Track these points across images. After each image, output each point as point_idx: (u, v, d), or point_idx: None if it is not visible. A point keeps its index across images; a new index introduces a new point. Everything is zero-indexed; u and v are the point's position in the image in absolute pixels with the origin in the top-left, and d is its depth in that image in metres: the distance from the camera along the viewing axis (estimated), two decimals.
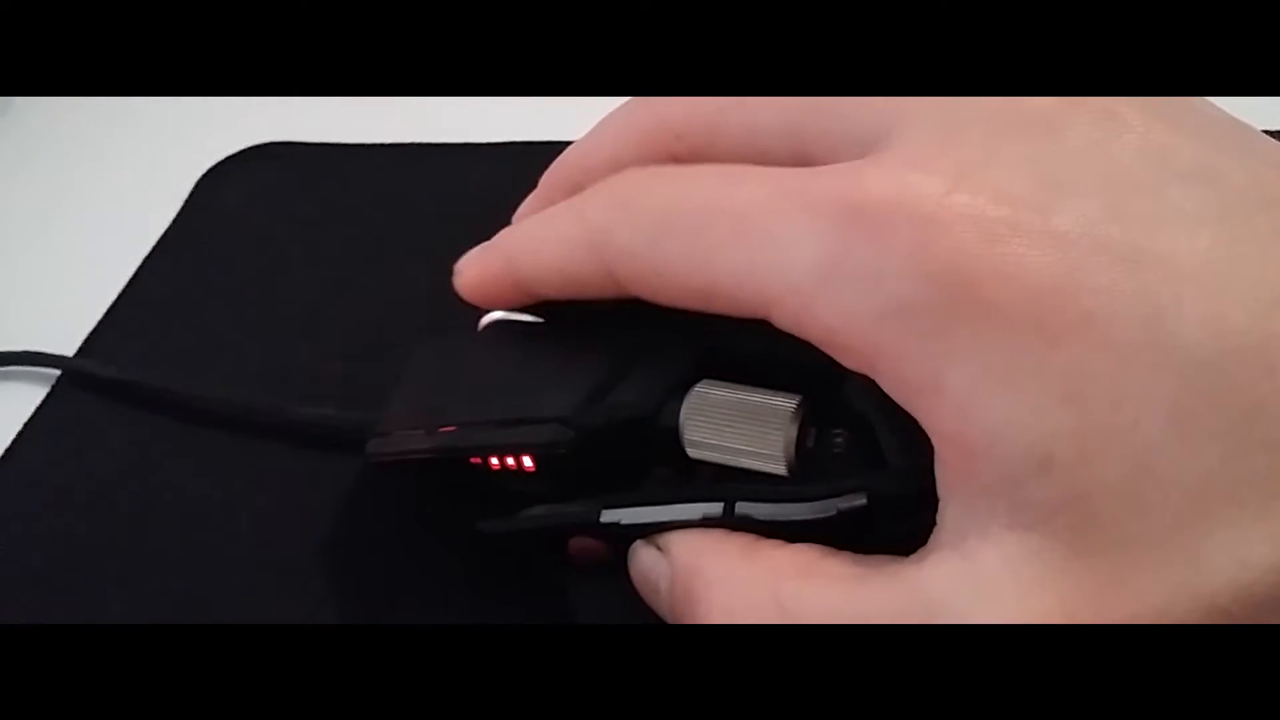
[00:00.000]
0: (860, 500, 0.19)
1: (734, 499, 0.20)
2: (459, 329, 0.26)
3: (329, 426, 0.28)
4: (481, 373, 0.24)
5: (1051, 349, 0.16)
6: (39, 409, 0.31)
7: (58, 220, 0.38)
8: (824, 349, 0.18)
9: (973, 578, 0.17)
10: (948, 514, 0.18)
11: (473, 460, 0.23)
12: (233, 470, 0.29)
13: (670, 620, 0.21)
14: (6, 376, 0.32)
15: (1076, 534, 0.16)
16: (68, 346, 0.33)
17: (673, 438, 0.21)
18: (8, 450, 0.30)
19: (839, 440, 0.20)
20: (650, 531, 0.21)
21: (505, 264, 0.23)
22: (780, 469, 0.20)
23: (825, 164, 0.19)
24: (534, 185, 0.25)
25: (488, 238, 0.24)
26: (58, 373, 0.32)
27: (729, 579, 0.20)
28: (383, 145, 0.38)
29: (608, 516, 0.22)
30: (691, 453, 0.21)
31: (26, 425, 0.31)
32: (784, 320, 0.18)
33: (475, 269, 0.24)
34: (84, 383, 0.32)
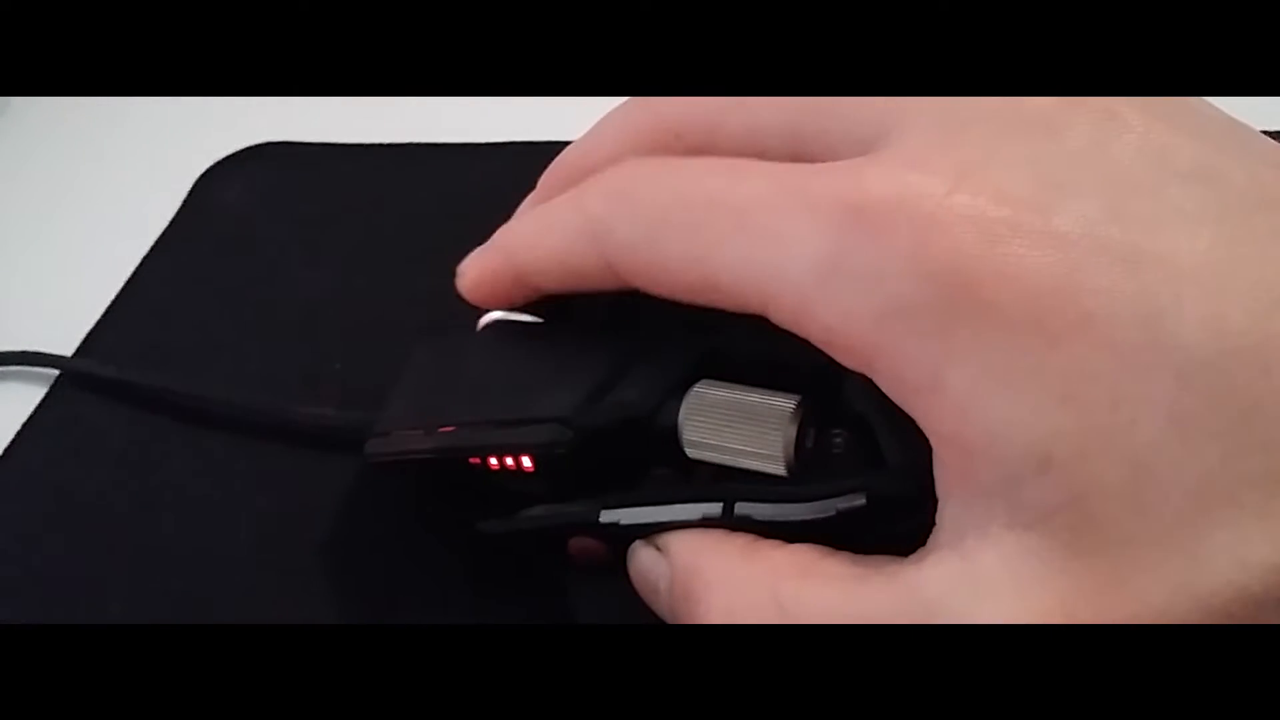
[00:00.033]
0: (859, 500, 0.19)
1: (733, 499, 0.20)
2: (458, 329, 0.26)
3: (328, 426, 0.28)
4: (481, 373, 0.24)
5: (1051, 349, 0.16)
6: (38, 409, 0.31)
7: (56, 220, 0.38)
8: (822, 348, 0.18)
9: (971, 578, 0.17)
10: (946, 514, 0.18)
11: (472, 460, 0.23)
12: (233, 470, 0.29)
13: (669, 620, 0.21)
14: (5, 376, 0.32)
15: (1075, 534, 0.16)
16: (66, 346, 0.33)
17: (672, 438, 0.21)
18: (6, 450, 0.30)
19: (838, 440, 0.20)
20: (650, 532, 0.21)
21: (506, 259, 0.23)
22: (779, 469, 0.20)
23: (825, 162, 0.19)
24: (534, 185, 0.25)
25: (488, 238, 0.24)
26: (56, 373, 0.32)
27: (728, 579, 0.20)
28: (382, 145, 0.38)
29: (607, 516, 0.22)
30: (691, 453, 0.21)
31: (25, 425, 0.31)
32: (782, 318, 0.18)
33: (476, 267, 0.24)
34: (83, 383, 0.32)
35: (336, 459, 0.28)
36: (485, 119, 0.37)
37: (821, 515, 0.19)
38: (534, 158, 0.25)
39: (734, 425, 0.20)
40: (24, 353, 0.32)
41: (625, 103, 0.23)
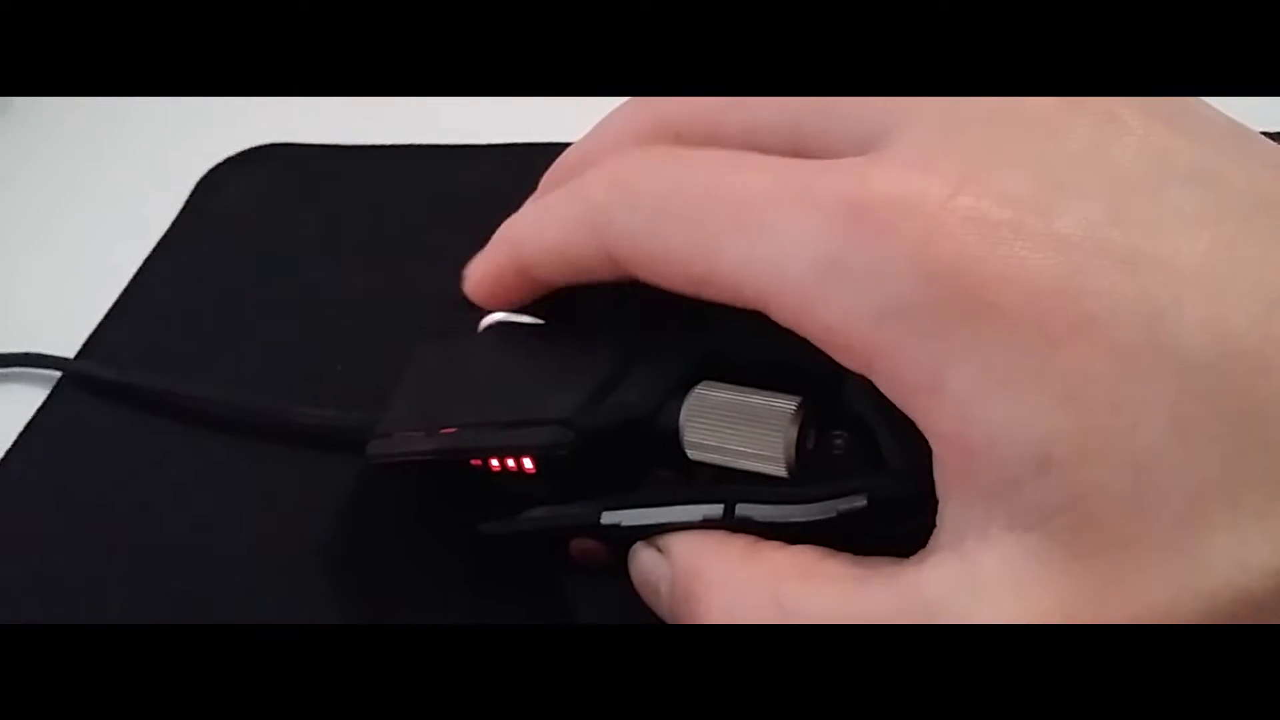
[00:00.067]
0: (860, 502, 0.19)
1: (734, 500, 0.20)
2: (459, 330, 0.26)
3: (329, 427, 0.28)
4: (482, 374, 0.24)
5: (1052, 351, 0.16)
6: (39, 411, 0.31)
7: (58, 221, 0.38)
8: (822, 347, 0.18)
9: (972, 579, 0.17)
10: (946, 515, 0.18)
11: (473, 462, 0.23)
12: (233, 471, 0.29)
13: (670, 621, 0.21)
14: (7, 378, 0.32)
15: (1075, 535, 0.16)
16: (68, 348, 0.33)
17: (673, 439, 0.21)
18: (8, 452, 0.30)
19: (839, 442, 0.20)
20: (651, 533, 0.21)
21: (508, 253, 0.23)
22: (780, 470, 0.20)
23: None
24: (534, 186, 0.25)
25: (488, 238, 0.24)
26: (58, 374, 0.32)
27: (729, 580, 0.20)
28: (383, 146, 0.38)
29: (608, 518, 0.22)
30: (692, 454, 0.21)
31: (27, 427, 0.31)
32: (782, 315, 0.18)
33: (481, 266, 0.24)
34: (84, 384, 0.32)
35: (337, 459, 0.28)
36: (485, 119, 0.37)
37: (822, 516, 0.19)
38: (534, 158, 0.25)
39: (735, 427, 0.20)
40: (26, 354, 0.32)
41: (626, 103, 0.23)
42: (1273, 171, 0.17)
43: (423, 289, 0.32)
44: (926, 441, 0.18)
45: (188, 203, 0.37)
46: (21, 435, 0.30)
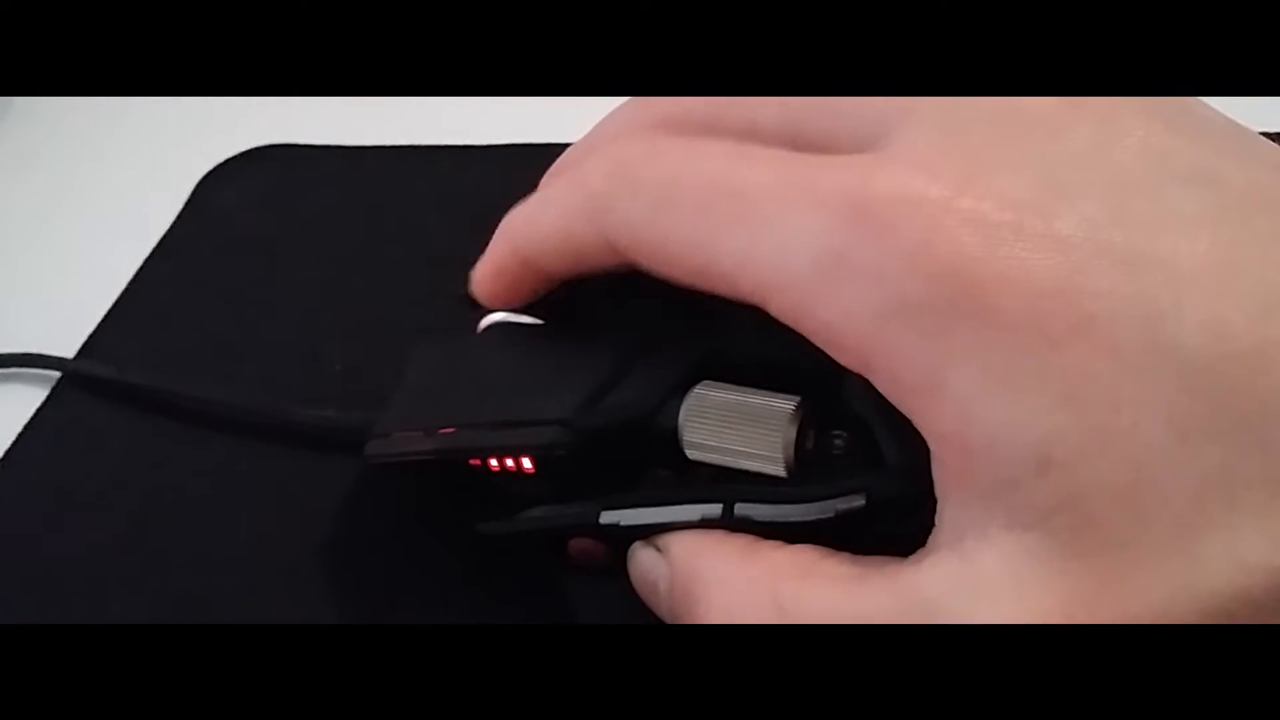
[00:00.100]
0: (859, 501, 0.19)
1: (733, 500, 0.20)
2: (459, 330, 0.26)
3: (329, 428, 0.28)
4: (481, 374, 0.24)
5: (1052, 351, 0.16)
6: (39, 411, 0.31)
7: (58, 222, 0.38)
8: (820, 345, 0.18)
9: (971, 578, 0.17)
10: (945, 515, 0.18)
11: (472, 462, 0.23)
12: (233, 471, 0.29)
13: (669, 621, 0.21)
14: (7, 378, 0.32)
15: (1074, 535, 0.16)
16: (68, 348, 0.33)
17: (672, 439, 0.21)
18: (8, 452, 0.30)
19: (838, 441, 0.20)
20: (650, 532, 0.21)
21: (511, 246, 0.23)
22: (779, 470, 0.20)
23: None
24: (533, 187, 0.25)
25: (488, 239, 0.24)
26: (58, 375, 0.32)
27: (728, 580, 0.20)
28: (382, 147, 0.38)
29: (607, 518, 0.22)
30: (691, 454, 0.21)
31: (27, 427, 0.31)
32: (781, 311, 0.18)
33: (485, 263, 0.23)
34: (84, 384, 0.32)
35: (336, 460, 0.28)
36: (485, 120, 0.37)
37: (821, 516, 0.19)
38: (534, 159, 0.25)
39: (734, 426, 0.20)
40: (26, 355, 0.32)
41: (625, 103, 0.23)
42: (1273, 172, 0.17)
43: (422, 289, 0.32)
44: (925, 441, 0.18)
45: (188, 203, 0.37)
46: (21, 435, 0.30)
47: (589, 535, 0.23)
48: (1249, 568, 0.15)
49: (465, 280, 0.26)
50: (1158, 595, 0.16)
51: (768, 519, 0.20)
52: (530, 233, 0.22)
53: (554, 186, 0.22)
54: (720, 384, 0.21)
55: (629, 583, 0.22)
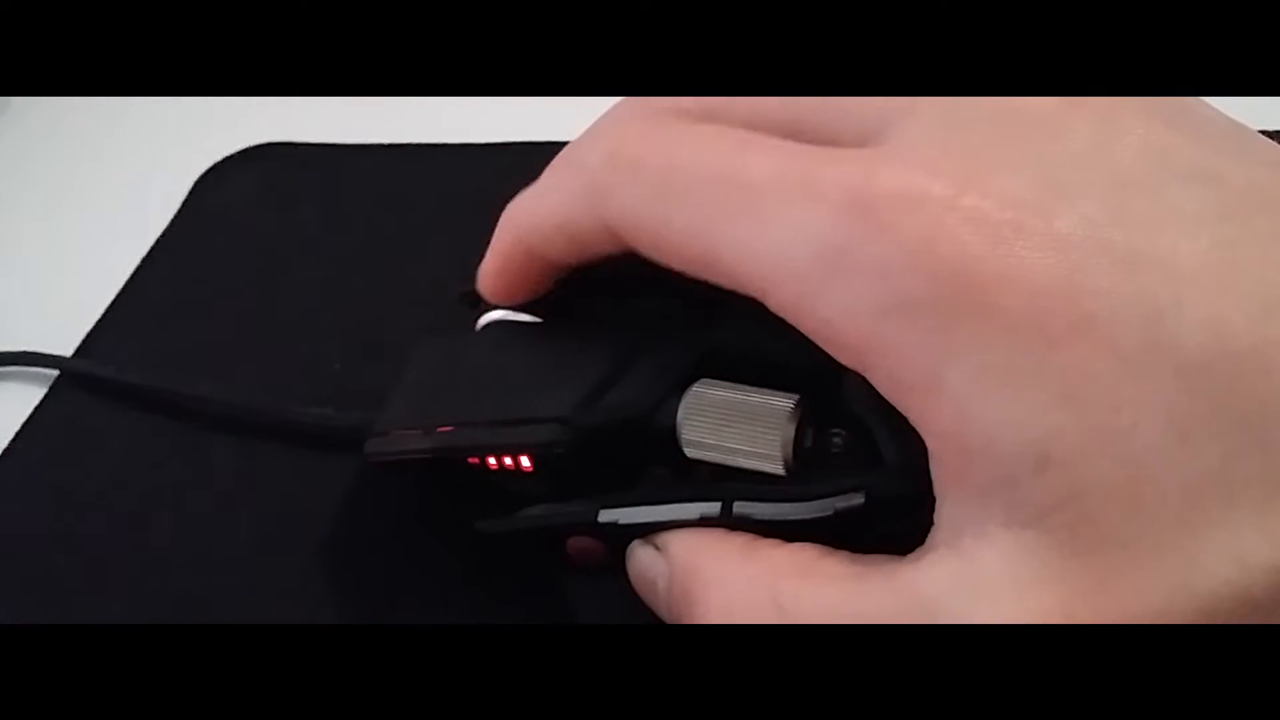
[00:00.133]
0: (858, 500, 0.19)
1: (732, 498, 0.20)
2: (458, 329, 0.26)
3: (328, 426, 0.28)
4: (480, 373, 0.24)
5: (1051, 350, 0.16)
6: (37, 409, 0.31)
7: (56, 220, 0.38)
8: (817, 341, 0.18)
9: (970, 577, 0.17)
10: (944, 513, 0.18)
11: (471, 460, 0.23)
12: (232, 470, 0.29)
13: (668, 620, 0.21)
14: (5, 377, 0.32)
15: (1073, 533, 0.16)
16: (66, 347, 0.33)
17: (671, 437, 0.21)
18: (6, 450, 0.30)
19: (837, 440, 0.20)
20: (648, 531, 0.21)
21: (513, 235, 0.23)
22: (778, 469, 0.20)
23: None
24: None
25: (486, 238, 0.24)
26: (56, 373, 0.32)
27: (727, 578, 0.20)
28: (382, 145, 0.38)
29: (605, 516, 0.22)
30: (689, 452, 0.21)
31: (25, 426, 0.31)
32: (779, 305, 0.18)
33: (489, 258, 0.23)
34: (82, 383, 0.32)
35: (336, 459, 0.28)
36: (485, 119, 0.37)
37: (820, 515, 0.19)
38: (534, 157, 0.25)
39: (733, 425, 0.20)
40: (23, 353, 0.32)
41: (623, 101, 0.23)
42: (1273, 171, 0.17)
43: (421, 288, 0.32)
44: (923, 440, 0.18)
45: (186, 202, 0.37)
46: (19, 434, 0.30)
47: (588, 534, 0.23)
48: (1248, 567, 0.15)
49: (464, 279, 0.26)
50: (1157, 594, 0.16)
51: (766, 517, 0.20)
52: (531, 222, 0.22)
53: (553, 174, 0.22)
54: (719, 382, 0.21)
55: (628, 581, 0.22)
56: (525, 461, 0.22)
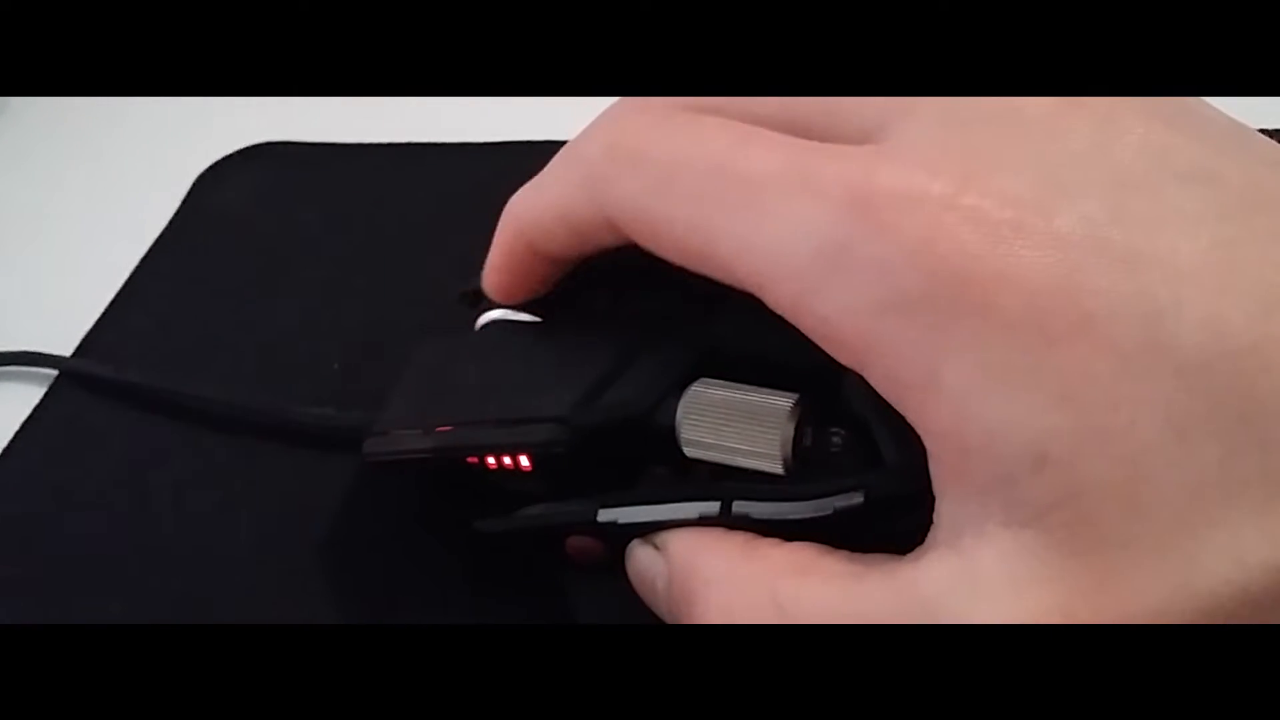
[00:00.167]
0: (857, 499, 0.19)
1: (731, 498, 0.20)
2: (457, 329, 0.26)
3: (328, 426, 0.28)
4: (479, 372, 0.24)
5: (1050, 349, 0.16)
6: (36, 409, 0.31)
7: (55, 220, 0.38)
8: (815, 339, 0.18)
9: (970, 576, 0.17)
10: (943, 512, 0.18)
11: (470, 460, 0.23)
12: (232, 470, 0.29)
13: (668, 619, 0.21)
14: (4, 376, 0.32)
15: (1072, 533, 0.16)
16: (65, 346, 0.33)
17: (670, 437, 0.21)
18: (5, 450, 0.30)
19: (836, 439, 0.20)
20: (647, 530, 0.21)
21: (514, 229, 0.23)
22: (777, 468, 0.20)
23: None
24: None
25: (486, 237, 0.24)
26: (55, 373, 0.32)
27: (726, 577, 0.20)
28: (380, 145, 0.38)
29: (605, 515, 0.22)
30: (688, 452, 0.21)
31: (24, 425, 0.31)
32: (777, 302, 0.18)
33: (493, 256, 0.23)
34: (81, 383, 0.32)
35: (336, 459, 0.28)
36: (485, 119, 0.37)
37: (819, 514, 0.19)
38: (534, 157, 0.25)
39: (732, 424, 0.20)
40: (22, 353, 0.32)
41: (619, 101, 0.23)
42: (1272, 170, 0.17)
43: (421, 288, 0.32)
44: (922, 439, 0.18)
45: (185, 201, 0.37)
46: (18, 434, 0.30)
47: (587, 533, 0.23)
48: (1247, 566, 0.15)
49: (463, 278, 0.26)
50: (1156, 594, 0.16)
51: (766, 517, 0.20)
52: (532, 215, 0.22)
53: (555, 166, 0.22)
54: (718, 381, 0.21)
55: (627, 581, 0.22)
56: (524, 461, 0.22)
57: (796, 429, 0.20)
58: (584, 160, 0.21)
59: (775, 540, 0.20)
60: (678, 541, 0.21)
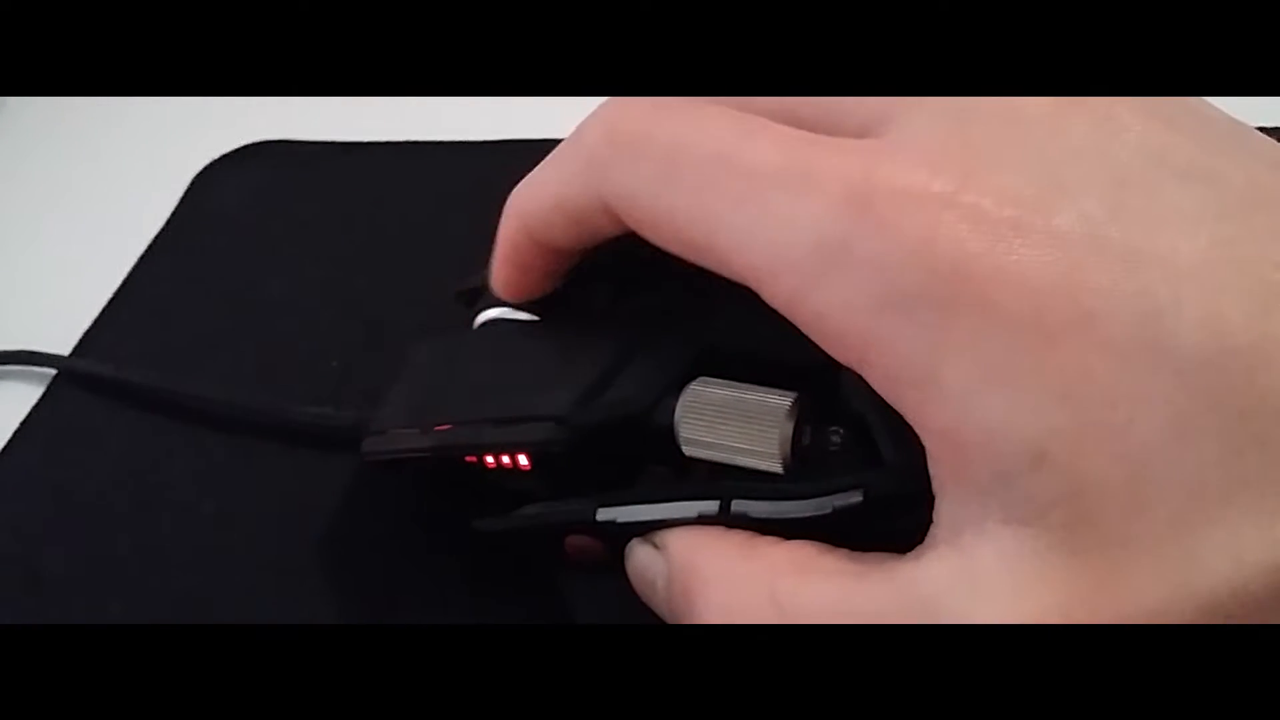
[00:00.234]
0: (856, 498, 0.19)
1: (730, 497, 0.20)
2: (456, 328, 0.26)
3: (326, 425, 0.28)
4: (477, 371, 0.24)
5: (1050, 347, 0.16)
6: (35, 408, 0.31)
7: (53, 219, 0.38)
8: (813, 336, 0.18)
9: (969, 574, 0.17)
10: (943, 510, 0.18)
11: (468, 459, 0.23)
12: (231, 469, 0.29)
13: (668, 618, 0.21)
14: (2, 376, 0.32)
15: (1071, 531, 0.16)
16: (64, 346, 0.33)
17: (668, 436, 0.21)
18: (4, 450, 0.30)
19: (835, 438, 0.20)
20: (647, 529, 0.21)
21: (517, 222, 0.23)
22: (776, 467, 0.20)
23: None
24: None
25: (485, 236, 0.24)
26: (53, 372, 0.32)
27: (726, 576, 0.20)
28: (379, 143, 0.38)
29: (604, 515, 0.22)
30: (687, 450, 0.21)
31: (22, 425, 0.31)
32: (775, 298, 0.18)
33: (498, 251, 0.23)
34: (80, 382, 0.32)
35: (335, 458, 0.28)
36: (485, 118, 0.37)
37: (818, 513, 0.19)
38: (534, 156, 0.24)
39: (730, 423, 0.20)
40: (21, 352, 0.32)
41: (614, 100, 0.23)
42: (1272, 169, 0.17)
43: (419, 286, 0.32)
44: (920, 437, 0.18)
45: (183, 200, 0.37)
46: (17, 433, 0.30)
47: (586, 532, 0.23)
48: (1246, 564, 0.15)
49: (461, 277, 0.26)
50: (1156, 593, 0.16)
51: (765, 515, 0.20)
52: (531, 205, 0.22)
53: (555, 154, 0.22)
54: (717, 380, 0.21)
55: (626, 580, 0.22)
56: (523, 460, 0.22)
57: (795, 428, 0.20)
58: (584, 147, 0.21)
59: (774, 539, 0.20)
60: (677, 540, 0.21)
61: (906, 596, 0.17)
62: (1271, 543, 0.15)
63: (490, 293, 0.24)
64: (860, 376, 0.18)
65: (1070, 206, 0.16)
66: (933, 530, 0.18)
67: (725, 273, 0.19)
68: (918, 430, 0.17)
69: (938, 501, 0.18)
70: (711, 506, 0.20)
